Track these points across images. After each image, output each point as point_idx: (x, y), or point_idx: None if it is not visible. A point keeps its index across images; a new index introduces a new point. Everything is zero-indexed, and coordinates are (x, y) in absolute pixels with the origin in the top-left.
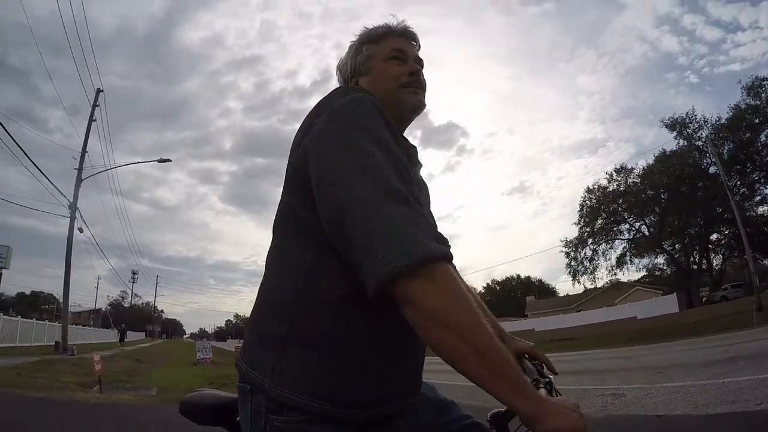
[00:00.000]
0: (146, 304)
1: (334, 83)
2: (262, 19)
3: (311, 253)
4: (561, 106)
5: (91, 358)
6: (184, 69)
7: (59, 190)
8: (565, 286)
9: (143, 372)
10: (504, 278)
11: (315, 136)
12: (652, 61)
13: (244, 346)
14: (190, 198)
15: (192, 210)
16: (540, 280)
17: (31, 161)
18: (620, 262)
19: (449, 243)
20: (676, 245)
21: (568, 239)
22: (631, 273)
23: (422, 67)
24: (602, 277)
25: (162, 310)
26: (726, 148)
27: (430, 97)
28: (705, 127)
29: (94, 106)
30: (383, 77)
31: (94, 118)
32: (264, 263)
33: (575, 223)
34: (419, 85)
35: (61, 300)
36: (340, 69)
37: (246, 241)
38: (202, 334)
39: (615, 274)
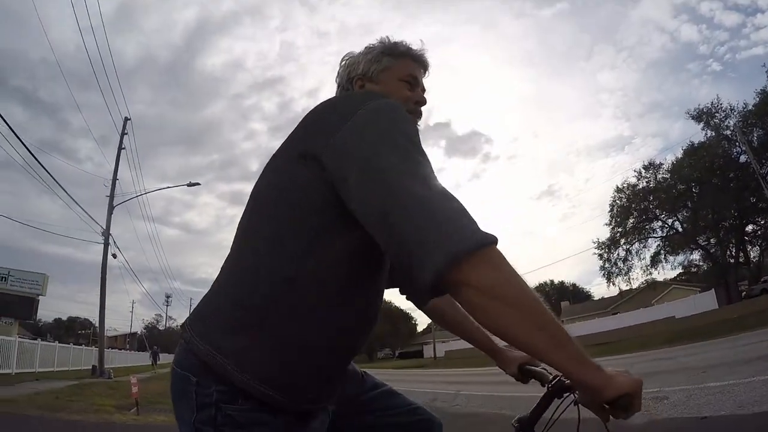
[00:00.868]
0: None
1: None
2: (281, 40)
3: (305, 241)
4: (583, 106)
5: (127, 380)
6: (207, 94)
7: (92, 218)
8: (599, 289)
9: None
10: (537, 284)
11: (355, 133)
12: (672, 53)
13: (202, 316)
14: (219, 220)
15: (222, 232)
16: (574, 285)
17: (64, 191)
18: (655, 261)
19: None
20: (711, 239)
21: (600, 240)
22: (667, 271)
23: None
24: (637, 278)
25: None
26: (755, 135)
27: (450, 107)
28: (732, 115)
29: (123, 134)
30: (393, 95)
31: (123, 146)
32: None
33: (606, 224)
34: (419, 115)
35: (97, 325)
36: (349, 64)
37: None
38: None
39: (650, 273)
